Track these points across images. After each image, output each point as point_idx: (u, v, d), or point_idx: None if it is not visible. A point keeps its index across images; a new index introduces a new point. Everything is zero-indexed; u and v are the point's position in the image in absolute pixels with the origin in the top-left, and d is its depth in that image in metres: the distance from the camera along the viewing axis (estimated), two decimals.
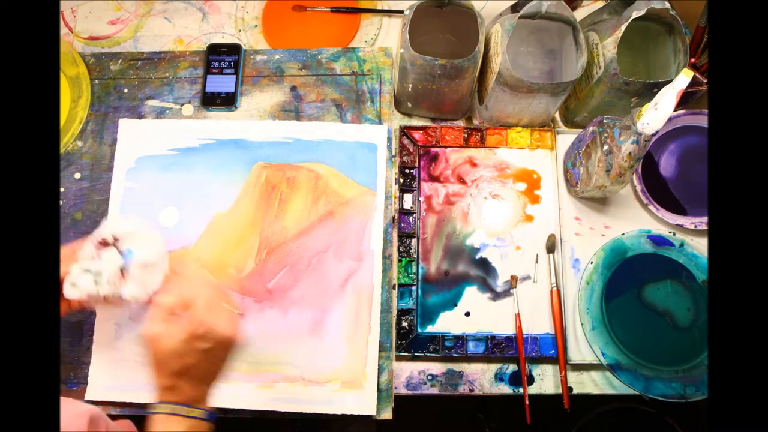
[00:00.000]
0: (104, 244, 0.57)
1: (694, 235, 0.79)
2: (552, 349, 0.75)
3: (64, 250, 0.59)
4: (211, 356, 0.54)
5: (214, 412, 0.56)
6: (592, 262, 0.76)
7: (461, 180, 0.82)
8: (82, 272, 0.56)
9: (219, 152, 0.83)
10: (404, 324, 0.76)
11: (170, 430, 0.52)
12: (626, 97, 0.74)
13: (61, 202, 0.81)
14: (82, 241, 0.60)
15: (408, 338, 0.76)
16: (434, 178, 0.82)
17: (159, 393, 0.54)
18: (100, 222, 0.80)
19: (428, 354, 0.75)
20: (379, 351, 0.75)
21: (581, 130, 0.80)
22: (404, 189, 0.81)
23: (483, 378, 0.76)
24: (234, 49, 0.87)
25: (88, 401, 0.74)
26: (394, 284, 0.78)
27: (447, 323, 0.77)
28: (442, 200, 0.81)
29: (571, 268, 0.79)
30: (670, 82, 0.61)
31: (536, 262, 0.79)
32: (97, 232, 0.58)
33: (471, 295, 0.78)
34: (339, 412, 0.72)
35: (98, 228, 0.59)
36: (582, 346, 0.76)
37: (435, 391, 0.76)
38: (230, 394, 0.73)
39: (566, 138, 0.83)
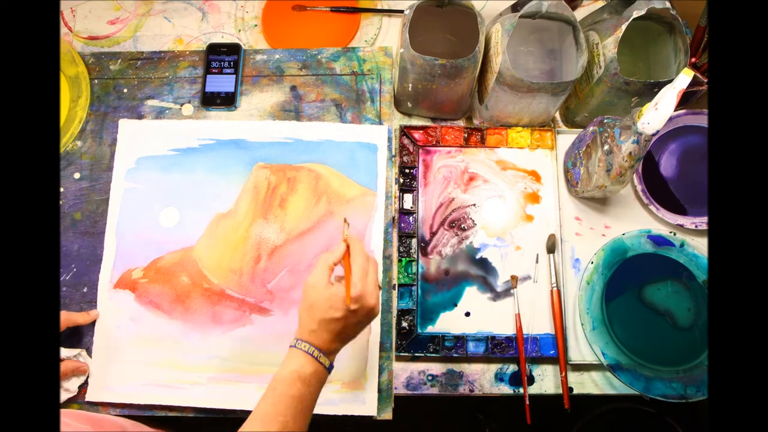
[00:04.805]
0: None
1: (695, 235, 0.79)
2: (552, 350, 0.75)
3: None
4: (352, 316, 0.60)
5: (333, 366, 0.62)
6: (592, 262, 0.76)
7: (461, 180, 0.82)
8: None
9: (219, 152, 0.83)
10: (404, 324, 0.76)
11: (301, 365, 0.59)
12: (627, 96, 0.74)
13: (60, 202, 0.81)
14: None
15: (408, 338, 0.76)
16: (435, 178, 0.82)
17: (303, 332, 0.61)
18: (99, 222, 0.80)
19: (428, 354, 0.75)
20: (380, 351, 0.75)
21: (581, 129, 0.80)
22: (404, 189, 0.81)
23: (483, 378, 0.76)
24: (234, 49, 0.87)
25: (89, 402, 0.74)
26: (394, 284, 0.78)
27: (447, 323, 0.77)
28: (442, 199, 0.81)
29: (572, 268, 0.79)
30: (670, 81, 0.61)
31: (536, 262, 0.79)
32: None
33: (471, 295, 0.78)
34: (339, 413, 0.72)
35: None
36: (582, 346, 0.76)
37: (435, 391, 0.76)
38: (231, 394, 0.73)
39: (566, 138, 0.83)
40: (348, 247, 0.62)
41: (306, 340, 0.60)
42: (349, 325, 0.61)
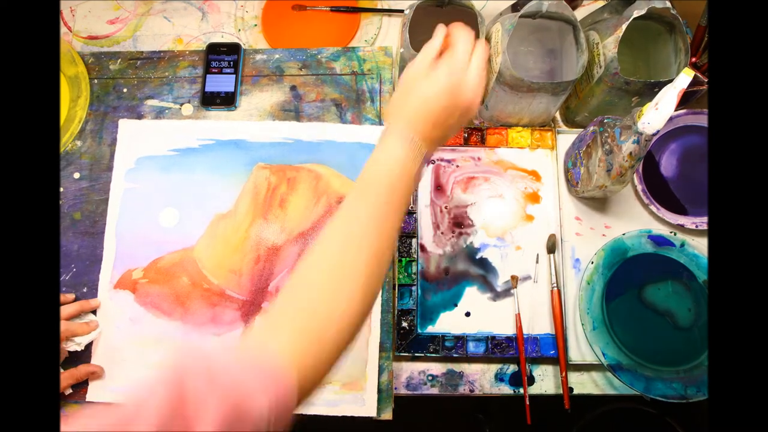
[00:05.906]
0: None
1: (695, 235, 0.79)
2: (552, 350, 0.75)
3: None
4: (459, 114, 0.55)
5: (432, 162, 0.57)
6: (592, 262, 0.76)
7: (461, 180, 0.82)
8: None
9: (219, 153, 0.83)
10: (404, 324, 0.76)
11: (399, 148, 0.53)
12: (627, 96, 0.74)
13: (60, 202, 0.81)
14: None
15: (408, 338, 0.76)
16: (433, 178, 0.82)
17: (397, 121, 0.55)
18: (99, 222, 0.80)
19: (428, 354, 0.75)
20: (379, 351, 0.75)
21: (582, 129, 0.80)
22: None
23: (483, 378, 0.76)
24: (233, 49, 0.87)
25: (89, 402, 0.74)
26: (394, 284, 0.78)
27: (447, 323, 0.77)
28: (442, 199, 0.81)
29: (572, 268, 0.79)
30: (670, 81, 0.61)
31: (537, 262, 0.79)
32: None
33: (471, 295, 0.77)
34: (339, 414, 0.72)
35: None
36: (582, 346, 0.76)
37: (435, 391, 0.75)
38: None
39: (567, 138, 0.83)
40: (448, 33, 0.55)
41: (404, 126, 0.53)
42: (447, 111, 0.54)
